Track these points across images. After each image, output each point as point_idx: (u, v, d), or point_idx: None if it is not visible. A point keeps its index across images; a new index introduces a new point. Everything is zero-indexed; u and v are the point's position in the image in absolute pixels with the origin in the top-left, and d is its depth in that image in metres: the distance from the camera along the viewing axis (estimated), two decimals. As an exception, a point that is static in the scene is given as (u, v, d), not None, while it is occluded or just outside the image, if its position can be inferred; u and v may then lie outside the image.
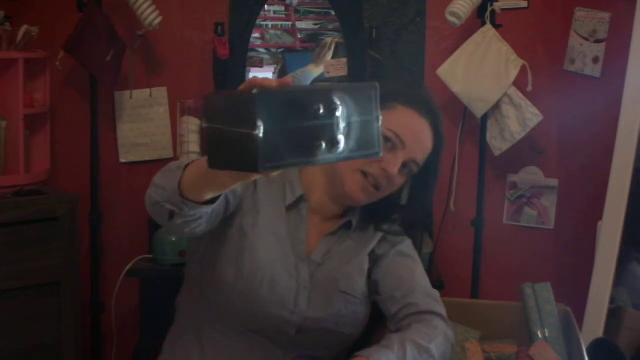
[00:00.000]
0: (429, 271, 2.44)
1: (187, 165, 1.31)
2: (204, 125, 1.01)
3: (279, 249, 1.58)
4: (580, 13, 2.70)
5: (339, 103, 0.99)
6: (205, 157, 1.08)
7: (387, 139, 1.54)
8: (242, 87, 1.03)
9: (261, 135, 0.93)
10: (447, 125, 2.83)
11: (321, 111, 0.97)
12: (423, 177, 1.63)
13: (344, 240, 1.65)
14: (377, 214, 1.67)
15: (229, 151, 0.98)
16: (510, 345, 1.74)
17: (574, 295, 2.45)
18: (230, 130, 0.96)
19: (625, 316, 2.25)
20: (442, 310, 1.59)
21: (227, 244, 1.55)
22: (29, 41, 2.63)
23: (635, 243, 2.41)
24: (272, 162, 0.94)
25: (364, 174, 1.55)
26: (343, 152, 1.00)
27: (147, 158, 2.86)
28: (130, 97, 2.83)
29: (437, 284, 2.40)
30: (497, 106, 2.61)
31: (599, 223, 2.36)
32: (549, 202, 2.81)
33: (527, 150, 2.76)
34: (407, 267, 1.66)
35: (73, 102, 2.85)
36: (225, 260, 1.54)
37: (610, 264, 2.27)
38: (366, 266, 1.65)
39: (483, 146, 2.65)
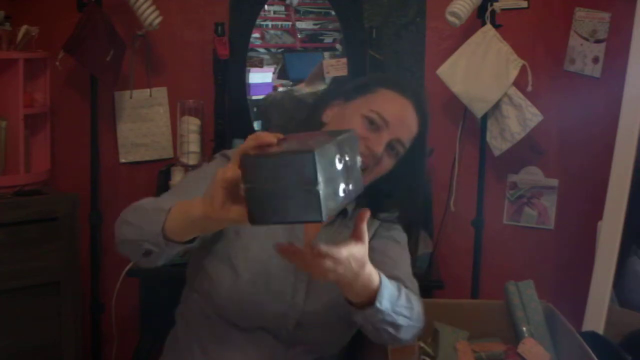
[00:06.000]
0: (429, 271, 2.45)
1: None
2: None
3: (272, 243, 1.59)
4: (580, 13, 2.70)
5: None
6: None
7: (370, 121, 1.59)
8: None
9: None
10: (447, 125, 2.85)
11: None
12: (411, 157, 1.66)
13: (342, 231, 1.66)
14: (374, 202, 1.69)
15: None
16: (498, 343, 1.75)
17: (574, 294, 2.46)
18: None
19: (609, 312, 2.26)
20: (420, 298, 1.60)
21: (222, 246, 1.58)
22: (29, 41, 2.63)
23: (635, 238, 2.41)
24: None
25: None
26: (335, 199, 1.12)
27: (147, 158, 2.86)
28: (130, 97, 2.83)
29: (437, 284, 2.41)
30: (497, 106, 2.61)
31: (599, 223, 2.36)
32: (549, 202, 2.81)
33: (527, 150, 2.76)
34: (396, 251, 1.68)
35: (73, 102, 2.85)
36: (220, 262, 1.57)
37: (610, 263, 2.27)
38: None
39: (483, 146, 2.64)
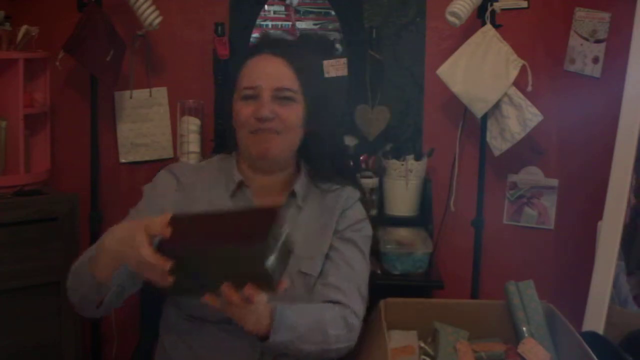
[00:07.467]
0: (429, 271, 2.45)
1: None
2: None
3: None
4: (580, 13, 2.70)
5: None
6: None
7: (246, 97, 1.67)
8: None
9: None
10: (447, 125, 2.85)
11: None
12: (314, 106, 1.71)
13: (298, 217, 1.71)
14: (317, 173, 1.76)
15: None
16: (498, 343, 1.75)
17: (574, 295, 2.46)
18: None
19: (609, 312, 2.26)
20: (362, 312, 1.68)
21: None
22: (29, 41, 2.63)
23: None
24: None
25: (254, 132, 1.66)
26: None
27: (147, 158, 2.86)
28: (130, 97, 2.83)
29: (437, 284, 2.41)
30: (497, 106, 2.61)
31: (599, 223, 2.36)
32: (549, 202, 2.81)
33: (527, 150, 2.76)
34: (357, 260, 1.72)
35: (73, 102, 2.85)
36: None
37: (610, 264, 2.27)
38: (327, 249, 1.71)
39: (483, 146, 2.64)
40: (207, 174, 1.77)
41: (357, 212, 1.78)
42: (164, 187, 1.75)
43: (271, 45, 1.73)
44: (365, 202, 1.83)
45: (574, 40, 2.72)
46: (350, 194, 1.78)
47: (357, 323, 1.66)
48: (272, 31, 1.78)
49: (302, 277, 1.65)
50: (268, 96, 1.65)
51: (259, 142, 1.67)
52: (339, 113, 1.81)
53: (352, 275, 1.68)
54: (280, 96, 1.66)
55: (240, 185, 1.73)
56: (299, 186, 1.74)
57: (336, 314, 1.62)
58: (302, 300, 1.64)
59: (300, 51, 1.73)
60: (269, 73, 1.67)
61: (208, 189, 1.73)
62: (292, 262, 1.64)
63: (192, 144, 2.68)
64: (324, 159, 1.77)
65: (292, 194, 1.73)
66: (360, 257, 1.73)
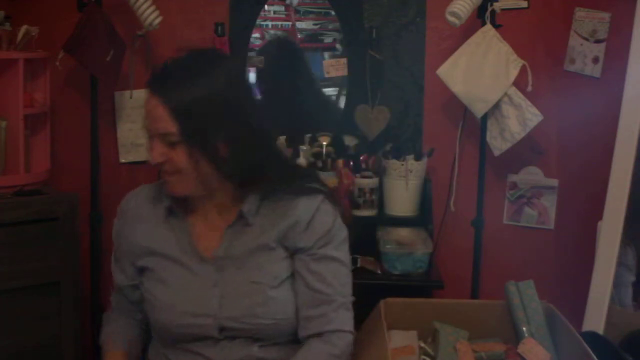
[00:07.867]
0: (429, 271, 2.45)
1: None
2: None
3: (174, 263, 1.67)
4: (580, 13, 2.70)
5: None
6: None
7: (149, 137, 1.62)
8: None
9: None
10: (447, 125, 2.85)
11: None
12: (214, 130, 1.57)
13: (245, 230, 1.66)
14: (260, 189, 1.66)
15: None
16: (498, 343, 1.75)
17: (574, 295, 2.46)
18: None
19: (609, 312, 2.26)
20: (350, 324, 1.65)
21: (145, 292, 1.73)
22: (29, 41, 2.63)
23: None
24: None
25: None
26: None
27: (146, 158, 2.86)
28: (130, 97, 2.83)
29: (437, 284, 2.41)
30: (497, 106, 2.61)
31: (599, 223, 2.36)
32: (549, 202, 2.81)
33: (527, 150, 2.76)
34: (338, 272, 1.66)
35: (73, 102, 2.85)
36: (146, 302, 1.72)
37: (610, 264, 2.27)
38: (279, 251, 1.65)
39: (483, 146, 2.64)
40: (152, 200, 1.74)
41: (323, 218, 1.65)
42: (119, 238, 1.82)
43: (151, 82, 1.65)
44: (333, 197, 1.69)
45: (574, 40, 2.72)
46: (305, 206, 1.65)
47: (345, 340, 1.63)
48: (164, 64, 1.72)
49: (254, 286, 1.62)
50: (157, 140, 1.59)
51: (165, 183, 1.65)
52: (259, 126, 1.63)
53: (332, 294, 1.63)
54: (165, 140, 1.58)
55: (170, 210, 1.70)
56: (247, 206, 1.64)
57: (319, 354, 1.60)
58: (259, 309, 1.61)
59: (178, 87, 1.60)
60: (152, 116, 1.60)
61: (147, 218, 1.73)
62: (243, 275, 1.63)
63: (192, 144, 2.68)
64: (257, 177, 1.64)
65: (241, 214, 1.65)
66: (339, 268, 1.66)
